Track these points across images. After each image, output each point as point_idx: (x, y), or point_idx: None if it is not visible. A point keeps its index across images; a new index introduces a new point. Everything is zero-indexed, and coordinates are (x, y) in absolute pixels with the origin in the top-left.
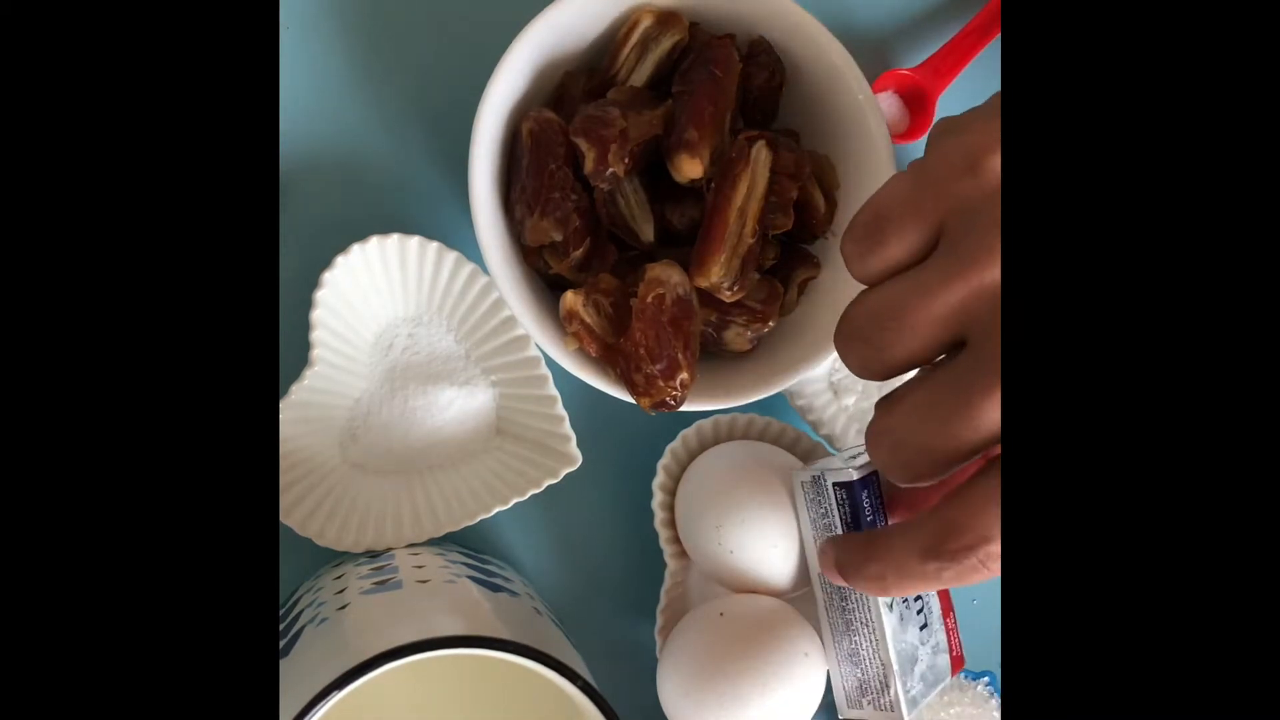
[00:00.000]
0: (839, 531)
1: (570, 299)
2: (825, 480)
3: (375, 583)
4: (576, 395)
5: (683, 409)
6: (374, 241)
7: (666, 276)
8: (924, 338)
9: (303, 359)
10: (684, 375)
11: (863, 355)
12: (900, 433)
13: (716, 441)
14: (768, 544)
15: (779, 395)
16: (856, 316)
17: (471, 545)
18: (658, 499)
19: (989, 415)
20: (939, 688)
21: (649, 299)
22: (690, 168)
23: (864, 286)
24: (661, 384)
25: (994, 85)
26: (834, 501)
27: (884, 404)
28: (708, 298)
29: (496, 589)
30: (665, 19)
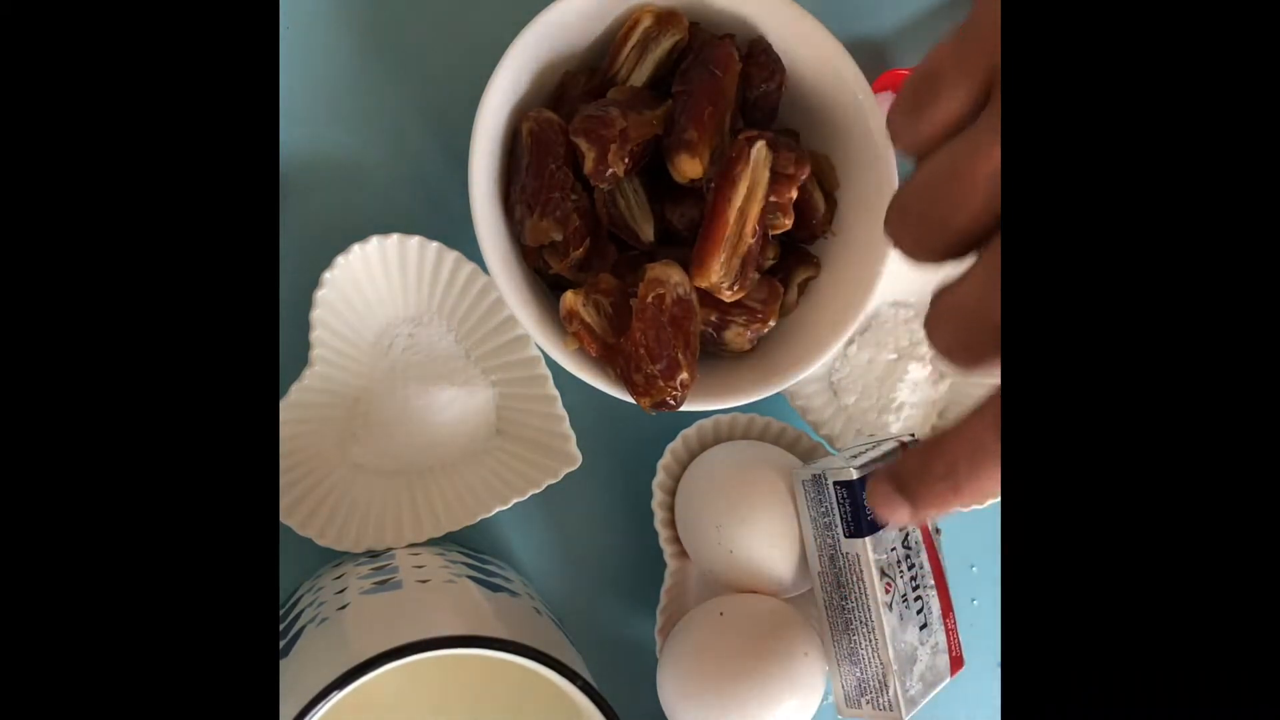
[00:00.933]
0: (840, 531)
1: (570, 299)
2: (826, 479)
3: (375, 583)
4: (576, 395)
5: (683, 409)
6: (374, 241)
7: (666, 276)
8: (982, 199)
9: (303, 359)
10: (684, 375)
11: (918, 232)
12: (967, 309)
13: (716, 441)
14: (768, 544)
15: (779, 395)
16: (908, 192)
17: (471, 545)
18: (658, 499)
19: None
20: (938, 688)
21: (649, 299)
22: (690, 168)
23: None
24: (661, 384)
25: None
26: (834, 501)
27: (940, 290)
28: (708, 298)
29: (496, 589)
30: (665, 19)
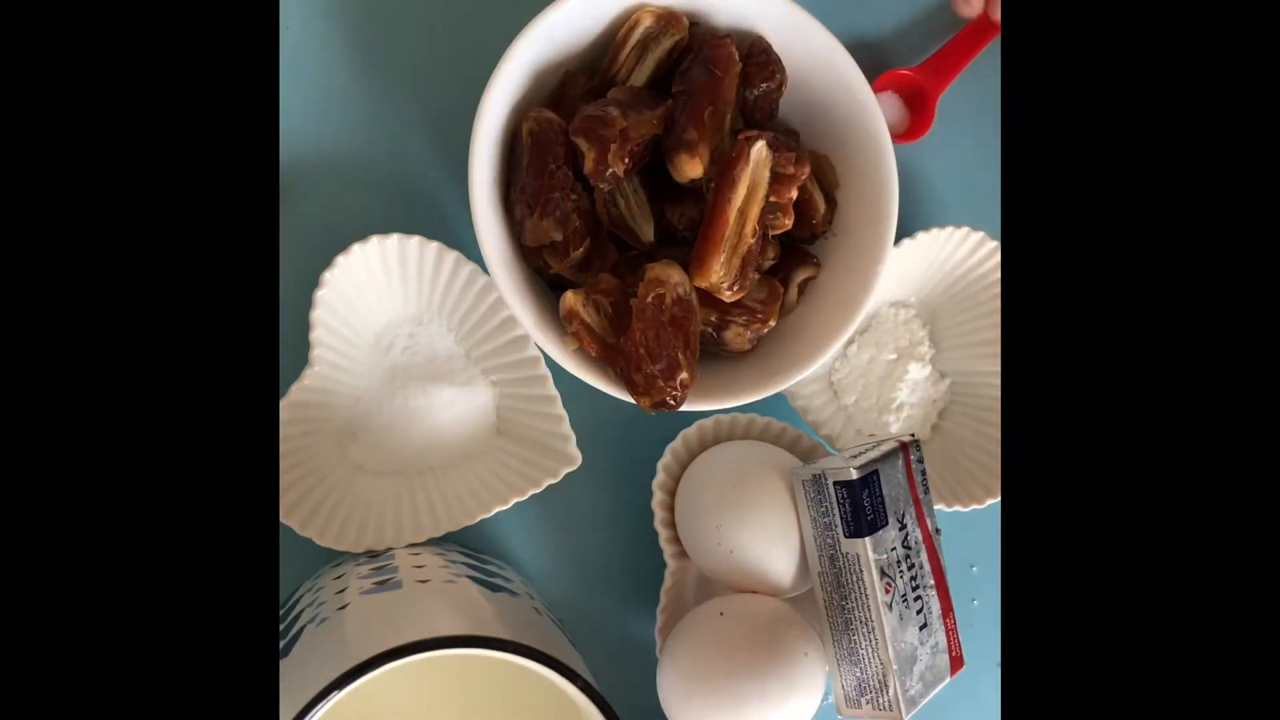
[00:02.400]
0: (840, 531)
1: (570, 299)
2: (826, 479)
3: (375, 583)
4: (576, 395)
5: (683, 409)
6: (374, 241)
7: (666, 276)
8: None
9: (303, 359)
10: (684, 375)
11: None
12: None
13: (717, 441)
14: (768, 544)
15: (779, 395)
16: None
17: (471, 545)
18: (658, 499)
19: None
20: (938, 688)
21: (649, 299)
22: (690, 168)
23: None
24: (661, 384)
25: (994, 85)
26: (834, 500)
27: None
28: (708, 298)
29: (496, 589)
30: (665, 19)
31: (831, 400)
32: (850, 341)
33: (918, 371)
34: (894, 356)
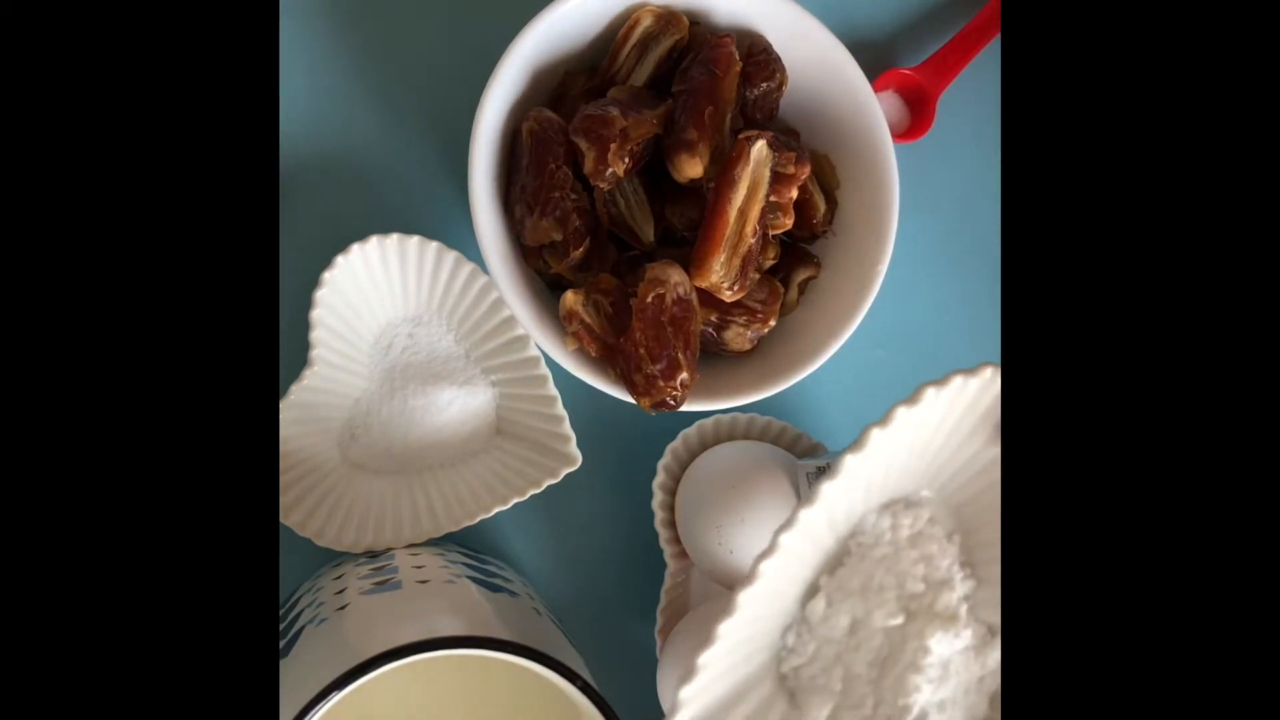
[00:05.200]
0: None
1: (570, 299)
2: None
3: (375, 583)
4: (576, 395)
5: (683, 409)
6: (374, 241)
7: (666, 276)
8: None
9: (303, 359)
10: (684, 375)
11: None
12: None
13: (717, 441)
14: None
15: (779, 395)
16: None
17: (471, 545)
18: (658, 499)
19: None
20: None
21: (649, 299)
22: (690, 167)
23: None
24: (661, 384)
25: (994, 85)
26: None
27: None
28: (708, 298)
29: (496, 589)
30: (665, 19)
31: (787, 711)
32: (814, 592)
33: (947, 642)
34: (900, 619)
